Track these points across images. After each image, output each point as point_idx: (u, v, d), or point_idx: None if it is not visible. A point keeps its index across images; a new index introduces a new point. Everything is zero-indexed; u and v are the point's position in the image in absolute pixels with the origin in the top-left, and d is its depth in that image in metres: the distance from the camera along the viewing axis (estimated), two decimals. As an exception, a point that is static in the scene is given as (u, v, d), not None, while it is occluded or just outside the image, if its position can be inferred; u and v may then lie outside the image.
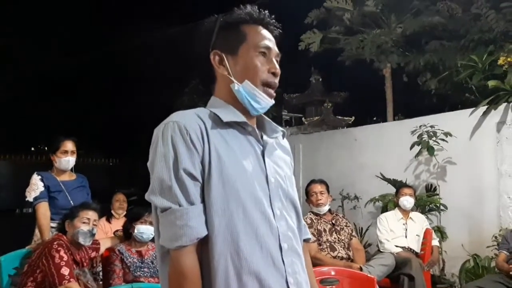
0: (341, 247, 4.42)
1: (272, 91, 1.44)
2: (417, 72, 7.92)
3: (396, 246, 4.88)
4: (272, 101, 1.44)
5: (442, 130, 5.79)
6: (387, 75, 8.06)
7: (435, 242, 5.17)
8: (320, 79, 9.92)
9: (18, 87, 13.27)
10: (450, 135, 5.72)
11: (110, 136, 14.41)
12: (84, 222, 3.30)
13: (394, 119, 8.02)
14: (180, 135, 1.29)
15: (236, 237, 1.28)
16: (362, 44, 7.79)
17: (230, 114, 1.39)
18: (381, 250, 4.95)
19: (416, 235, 5.05)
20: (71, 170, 4.01)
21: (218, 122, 1.36)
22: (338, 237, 4.47)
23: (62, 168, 3.88)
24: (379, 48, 7.80)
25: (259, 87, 1.40)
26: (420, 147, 5.86)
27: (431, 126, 5.88)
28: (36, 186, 3.76)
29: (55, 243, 3.13)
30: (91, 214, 3.36)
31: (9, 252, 3.55)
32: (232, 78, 1.40)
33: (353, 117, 9.45)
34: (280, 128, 1.53)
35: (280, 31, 1.50)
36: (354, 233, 4.69)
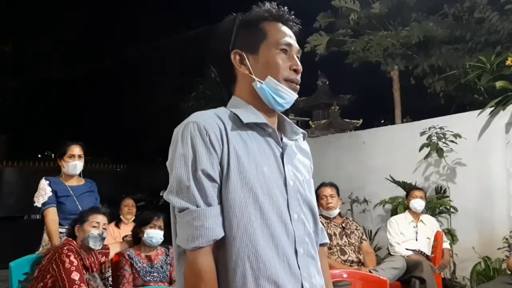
0: (351, 250, 4.38)
1: (296, 85, 1.42)
2: (425, 74, 7.89)
3: (407, 249, 4.84)
4: (296, 95, 1.42)
5: (451, 132, 5.75)
6: (395, 77, 8.04)
7: (446, 244, 5.12)
8: (327, 82, 9.89)
9: (25, 94, 13.35)
10: (460, 136, 5.68)
11: (117, 142, 14.44)
12: (94, 226, 3.29)
13: (402, 122, 7.99)
14: (200, 136, 1.28)
15: (254, 239, 1.27)
16: (368, 45, 7.77)
17: (250, 115, 1.37)
18: (391, 253, 4.92)
19: (427, 237, 5.01)
20: (80, 175, 3.99)
21: (238, 123, 1.35)
22: (349, 241, 4.43)
23: (70, 172, 3.86)
24: (385, 51, 7.78)
25: (282, 82, 1.38)
26: (429, 149, 5.81)
27: (440, 128, 5.84)
28: (44, 191, 3.74)
29: (65, 248, 3.12)
30: (101, 218, 3.36)
31: (18, 258, 3.54)
32: (254, 77, 1.38)
33: (361, 120, 9.41)
34: (301, 130, 1.52)
35: (300, 27, 1.48)
36: (364, 237, 4.65)
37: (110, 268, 3.84)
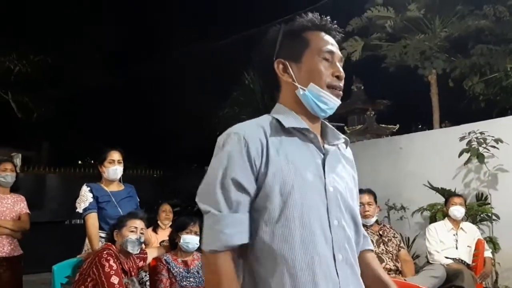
0: (388, 258, 4.30)
1: (339, 91, 1.44)
2: (463, 77, 7.70)
3: (447, 258, 4.72)
4: (339, 101, 1.44)
5: (493, 137, 5.58)
6: (432, 81, 7.88)
7: (487, 253, 4.96)
8: (362, 87, 9.76)
9: (65, 103, 13.76)
10: (501, 141, 5.51)
11: (154, 148, 14.70)
12: (131, 231, 3.35)
13: (440, 126, 7.81)
14: (238, 146, 1.32)
15: (292, 246, 1.28)
16: (405, 50, 7.65)
17: (292, 120, 1.39)
18: (430, 261, 4.80)
19: (468, 246, 4.86)
20: (120, 180, 4.06)
21: (279, 129, 1.37)
22: (386, 249, 4.35)
23: (111, 177, 3.92)
24: (423, 54, 7.64)
25: (325, 89, 1.41)
26: (469, 154, 5.66)
27: (481, 133, 5.68)
28: (85, 197, 3.82)
29: (104, 252, 3.20)
30: (138, 223, 3.42)
31: (60, 262, 3.64)
32: (297, 84, 1.41)
33: (398, 125, 9.22)
34: (343, 136, 1.53)
35: (343, 35, 1.51)
36: (402, 244, 4.55)
37: (148, 273, 3.89)
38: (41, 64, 12.90)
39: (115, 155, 3.95)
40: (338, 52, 1.46)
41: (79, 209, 3.78)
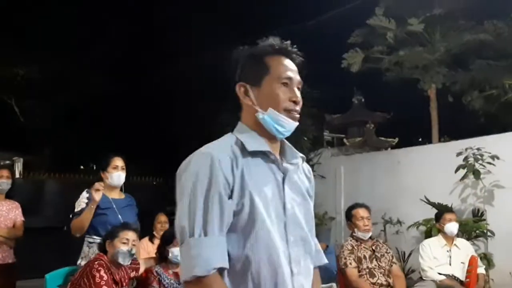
0: (381, 274, 4.29)
1: (295, 115, 1.51)
2: (463, 92, 7.73)
3: (440, 274, 4.71)
4: (296, 123, 1.52)
5: (489, 153, 5.59)
6: (432, 95, 7.91)
7: (481, 269, 4.94)
8: (363, 99, 9.77)
9: (67, 108, 13.83)
10: (497, 158, 5.52)
11: (154, 155, 14.72)
12: (123, 243, 3.36)
13: (439, 140, 7.82)
14: (210, 167, 1.37)
15: (258, 263, 1.37)
16: (401, 59, 7.68)
17: (255, 143, 1.47)
18: (423, 278, 4.80)
19: (461, 262, 4.85)
20: (121, 189, 4.04)
21: (244, 151, 1.45)
22: (379, 264, 4.34)
23: (114, 183, 3.90)
24: (417, 67, 7.66)
25: (282, 113, 1.48)
26: (465, 170, 5.67)
27: (478, 149, 5.69)
28: (82, 202, 3.78)
29: (96, 263, 3.23)
30: (131, 235, 3.43)
31: (56, 269, 3.65)
32: (257, 108, 1.49)
33: (397, 138, 9.20)
34: (300, 154, 1.61)
35: (302, 59, 1.56)
36: (394, 260, 4.54)
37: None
38: (45, 69, 13.00)
39: (119, 162, 3.93)
40: (296, 77, 1.52)
41: (76, 209, 3.75)
